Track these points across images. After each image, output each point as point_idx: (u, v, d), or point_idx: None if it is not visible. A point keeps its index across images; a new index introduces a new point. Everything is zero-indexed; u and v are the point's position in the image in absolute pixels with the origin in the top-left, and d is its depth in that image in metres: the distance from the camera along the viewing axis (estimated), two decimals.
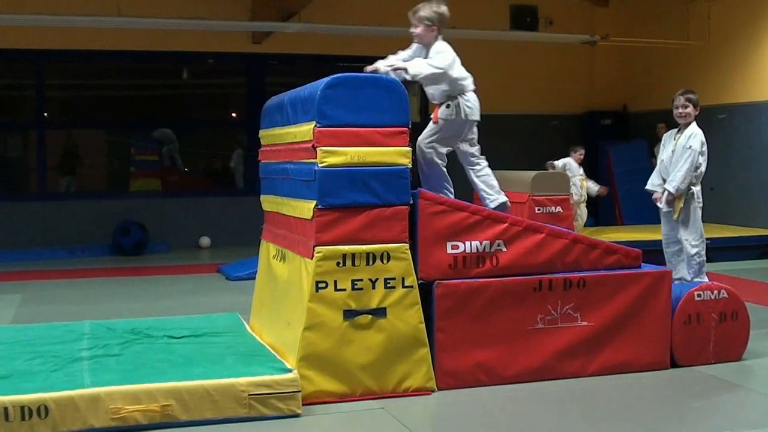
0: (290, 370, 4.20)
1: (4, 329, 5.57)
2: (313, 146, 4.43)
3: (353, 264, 4.42)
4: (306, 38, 11.72)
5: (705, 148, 6.26)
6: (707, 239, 6.56)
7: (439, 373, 4.59)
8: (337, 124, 4.43)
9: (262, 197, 5.69)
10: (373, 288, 4.45)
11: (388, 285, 4.47)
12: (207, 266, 9.96)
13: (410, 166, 4.55)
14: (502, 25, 12.70)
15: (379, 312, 4.46)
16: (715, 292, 5.14)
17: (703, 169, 6.27)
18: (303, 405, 4.19)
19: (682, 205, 6.29)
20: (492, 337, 4.68)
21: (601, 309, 4.87)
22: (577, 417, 4.26)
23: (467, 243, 4.66)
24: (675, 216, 6.28)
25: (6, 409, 3.75)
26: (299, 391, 4.16)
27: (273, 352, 4.65)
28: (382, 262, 4.46)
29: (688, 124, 6.38)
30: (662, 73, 12.69)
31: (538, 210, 8.18)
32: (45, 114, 11.83)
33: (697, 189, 6.28)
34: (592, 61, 13.56)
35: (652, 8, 12.90)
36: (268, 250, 5.45)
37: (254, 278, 5.87)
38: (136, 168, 12.75)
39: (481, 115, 5.62)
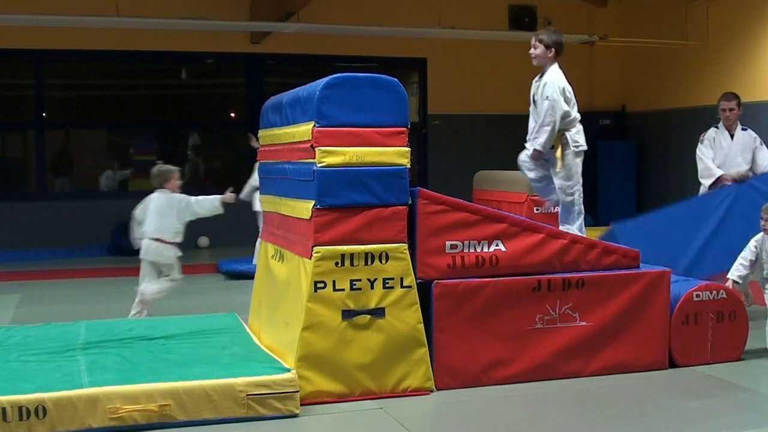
0: (288, 370, 4.20)
1: (3, 329, 5.57)
2: (311, 146, 4.43)
3: (352, 264, 4.42)
4: (305, 38, 11.72)
5: (570, 94, 5.75)
6: None
7: (438, 373, 4.59)
8: (336, 124, 4.43)
9: (261, 197, 5.69)
10: (372, 288, 4.45)
11: (387, 285, 4.47)
12: (206, 266, 9.94)
13: (409, 166, 4.55)
14: (500, 25, 12.69)
15: (378, 312, 4.46)
16: (714, 292, 5.14)
17: (574, 114, 5.78)
18: (301, 405, 4.19)
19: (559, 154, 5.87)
20: (491, 337, 4.68)
21: (599, 309, 4.87)
22: (576, 417, 4.26)
23: (466, 243, 4.66)
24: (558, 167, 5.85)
25: (4, 409, 3.75)
26: (297, 392, 4.16)
27: (271, 352, 4.65)
28: (381, 262, 4.46)
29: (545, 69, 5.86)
30: (661, 73, 12.68)
31: (537, 210, 8.19)
32: (44, 114, 11.81)
33: (570, 134, 5.81)
34: (590, 62, 13.54)
35: (651, 9, 12.89)
36: (266, 250, 5.45)
37: (252, 276, 5.87)
38: (136, 168, 12.75)
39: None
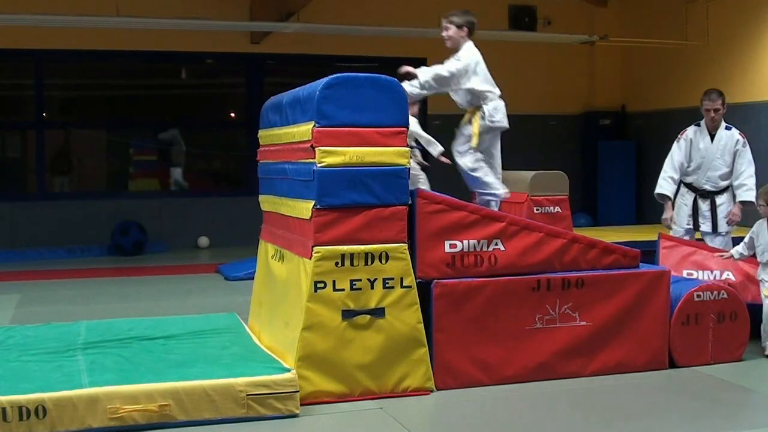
0: (288, 370, 4.20)
1: (3, 329, 5.57)
2: (311, 146, 4.43)
3: (352, 264, 4.42)
4: (305, 38, 11.72)
5: (483, 71, 5.61)
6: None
7: (438, 373, 4.59)
8: (336, 124, 4.43)
9: (261, 197, 5.69)
10: (372, 288, 4.45)
11: (387, 285, 4.47)
12: (206, 266, 9.95)
13: (409, 166, 4.55)
14: (500, 25, 12.68)
15: (378, 312, 4.46)
16: (715, 292, 5.14)
17: (492, 89, 5.60)
18: (301, 405, 4.19)
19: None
20: (490, 336, 4.68)
21: (599, 309, 4.87)
22: (576, 417, 4.26)
23: (465, 242, 4.66)
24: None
25: (4, 409, 3.75)
26: (297, 392, 4.16)
27: (271, 352, 4.65)
28: (381, 262, 4.46)
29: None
30: (661, 73, 12.68)
31: (537, 210, 8.19)
32: (44, 114, 11.82)
33: (487, 108, 5.57)
34: (590, 62, 13.55)
35: (651, 8, 12.89)
36: (266, 250, 5.45)
37: (253, 278, 5.86)
38: (135, 168, 12.76)
39: None
